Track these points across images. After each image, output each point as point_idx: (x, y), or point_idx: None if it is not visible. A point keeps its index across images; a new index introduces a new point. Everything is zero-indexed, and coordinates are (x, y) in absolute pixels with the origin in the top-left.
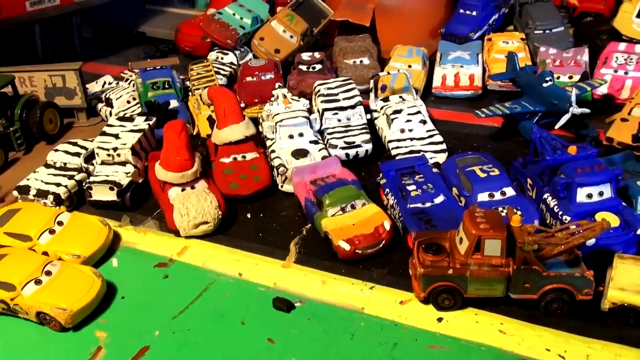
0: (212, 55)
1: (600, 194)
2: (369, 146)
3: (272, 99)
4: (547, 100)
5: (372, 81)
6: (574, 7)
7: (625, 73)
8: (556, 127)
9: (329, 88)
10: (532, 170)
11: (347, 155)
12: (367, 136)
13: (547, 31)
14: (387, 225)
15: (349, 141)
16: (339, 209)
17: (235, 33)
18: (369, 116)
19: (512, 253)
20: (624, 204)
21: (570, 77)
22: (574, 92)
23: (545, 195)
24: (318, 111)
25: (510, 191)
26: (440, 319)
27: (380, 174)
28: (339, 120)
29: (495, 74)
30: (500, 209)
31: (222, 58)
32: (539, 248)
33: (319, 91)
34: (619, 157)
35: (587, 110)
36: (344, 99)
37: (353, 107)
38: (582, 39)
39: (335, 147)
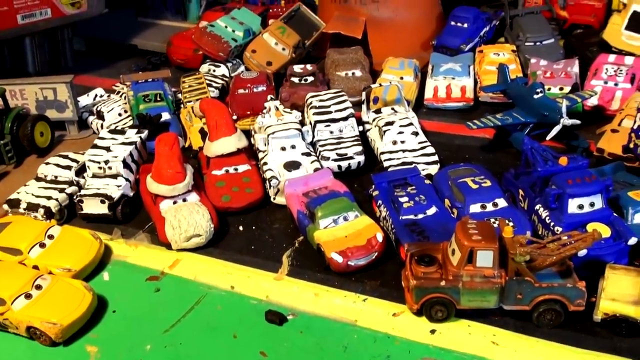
0: (204, 67)
1: (592, 204)
2: (361, 158)
3: (264, 111)
4: (538, 111)
5: (364, 93)
6: (564, 19)
7: (615, 84)
8: (547, 138)
9: (321, 100)
10: (523, 181)
11: (339, 167)
12: (359, 148)
13: (537, 43)
14: (380, 237)
15: (341, 153)
16: (332, 221)
17: (228, 46)
18: (361, 128)
19: (504, 264)
20: (615, 214)
21: (561, 89)
22: (565, 103)
23: (537, 207)
24: (310, 123)
25: (502, 202)
26: (433, 331)
27: (373, 186)
28: (331, 132)
29: (487, 85)
30: (492, 220)
31: (214, 70)
32: (531, 259)
33: (311, 103)
34: (610, 168)
35: (578, 122)
36: (336, 110)
37: (345, 119)
38: (573, 50)
39: (327, 159)
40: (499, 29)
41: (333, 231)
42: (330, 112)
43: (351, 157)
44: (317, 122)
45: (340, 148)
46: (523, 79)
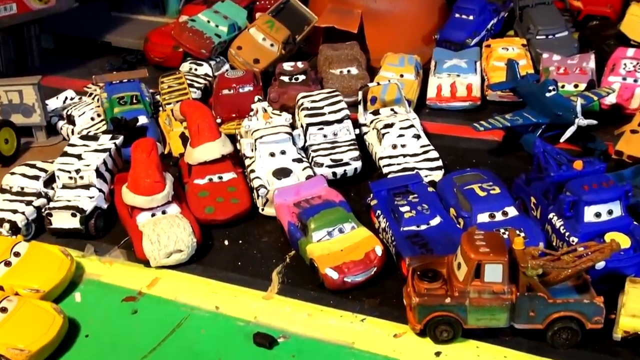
0: (185, 66)
1: (610, 212)
2: (358, 164)
3: (251, 113)
4: (550, 111)
5: (360, 93)
6: (578, 10)
7: (635, 81)
8: (561, 140)
9: (313, 101)
10: (536, 187)
11: (334, 174)
12: (356, 153)
13: (550, 36)
14: (379, 250)
15: (335, 159)
16: (326, 234)
17: (210, 42)
18: (357, 131)
19: (515, 279)
20: (635, 223)
21: (576, 86)
22: (580, 102)
23: (551, 215)
24: (302, 126)
25: (512, 211)
26: (438, 353)
27: (371, 195)
28: (325, 136)
29: (495, 83)
30: (501, 230)
31: (195, 69)
32: (544, 273)
33: (302, 104)
34: (629, 172)
35: (594, 122)
36: (329, 112)
37: (340, 121)
38: (588, 44)
39: (320, 165)
40: (507, 21)
41: (327, 245)
42: (323, 114)
43: (347, 163)
44: (309, 125)
45: (335, 153)
46: (534, 75)
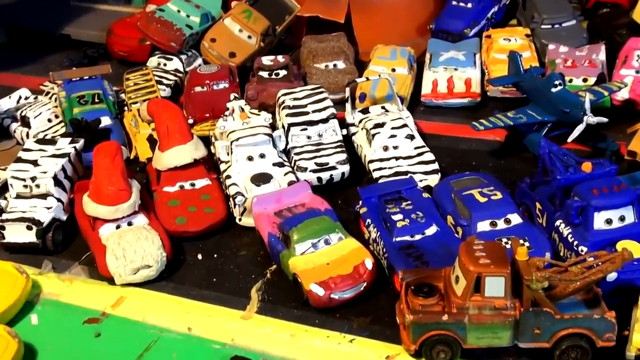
0: (153, 61)
1: (622, 219)
2: (346, 168)
3: (226, 113)
4: (557, 108)
5: (348, 89)
6: None
7: None
8: (569, 139)
9: (295, 98)
10: (541, 192)
11: (319, 179)
12: (344, 156)
13: (556, 26)
14: (369, 263)
15: (321, 162)
16: (310, 246)
17: (181, 34)
18: (344, 131)
19: (518, 293)
20: None
21: (585, 80)
22: (589, 97)
23: (558, 222)
24: (283, 127)
25: (516, 218)
26: None
27: (360, 202)
28: (309, 138)
29: (496, 77)
30: (503, 240)
31: (165, 64)
32: (550, 286)
33: (283, 102)
34: None
35: (605, 119)
36: (314, 111)
37: (325, 120)
38: (598, 34)
39: (304, 169)
40: (510, 9)
41: (312, 258)
42: (307, 113)
43: (333, 167)
44: (291, 125)
45: (320, 156)
46: (539, 69)
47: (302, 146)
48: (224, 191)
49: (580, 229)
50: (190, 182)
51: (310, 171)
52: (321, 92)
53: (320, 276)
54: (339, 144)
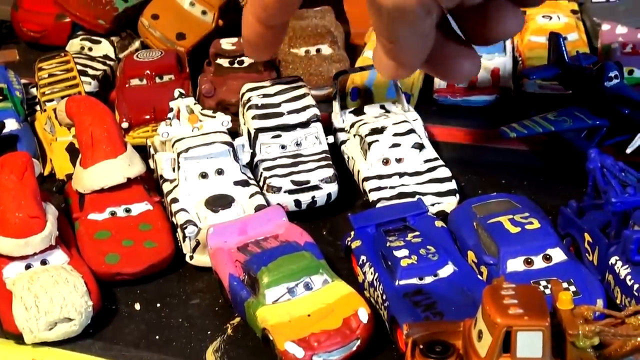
0: (75, 44)
1: None
2: (333, 188)
3: (170, 115)
4: (612, 108)
5: (336, 82)
6: None
7: None
8: (628, 150)
9: (265, 95)
10: (591, 220)
11: (297, 203)
12: (330, 172)
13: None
14: (364, 315)
15: (299, 180)
16: (285, 292)
17: (112, 8)
18: (331, 139)
19: (560, 353)
20: None
21: None
22: None
23: (613, 260)
24: (248, 133)
25: (558, 254)
26: None
27: (352, 233)
28: (283, 147)
29: (532, 67)
30: (542, 283)
31: (90, 49)
32: (602, 343)
33: (249, 100)
34: None
35: None
36: (290, 112)
37: (305, 124)
38: None
39: (277, 190)
40: None
41: (288, 308)
42: (280, 115)
43: (316, 187)
44: (259, 130)
45: (299, 172)
46: (589, 56)
47: (274, 159)
48: (169, 219)
49: None
50: (124, 208)
51: (285, 192)
52: (300, 87)
53: (299, 332)
54: (323, 155)
